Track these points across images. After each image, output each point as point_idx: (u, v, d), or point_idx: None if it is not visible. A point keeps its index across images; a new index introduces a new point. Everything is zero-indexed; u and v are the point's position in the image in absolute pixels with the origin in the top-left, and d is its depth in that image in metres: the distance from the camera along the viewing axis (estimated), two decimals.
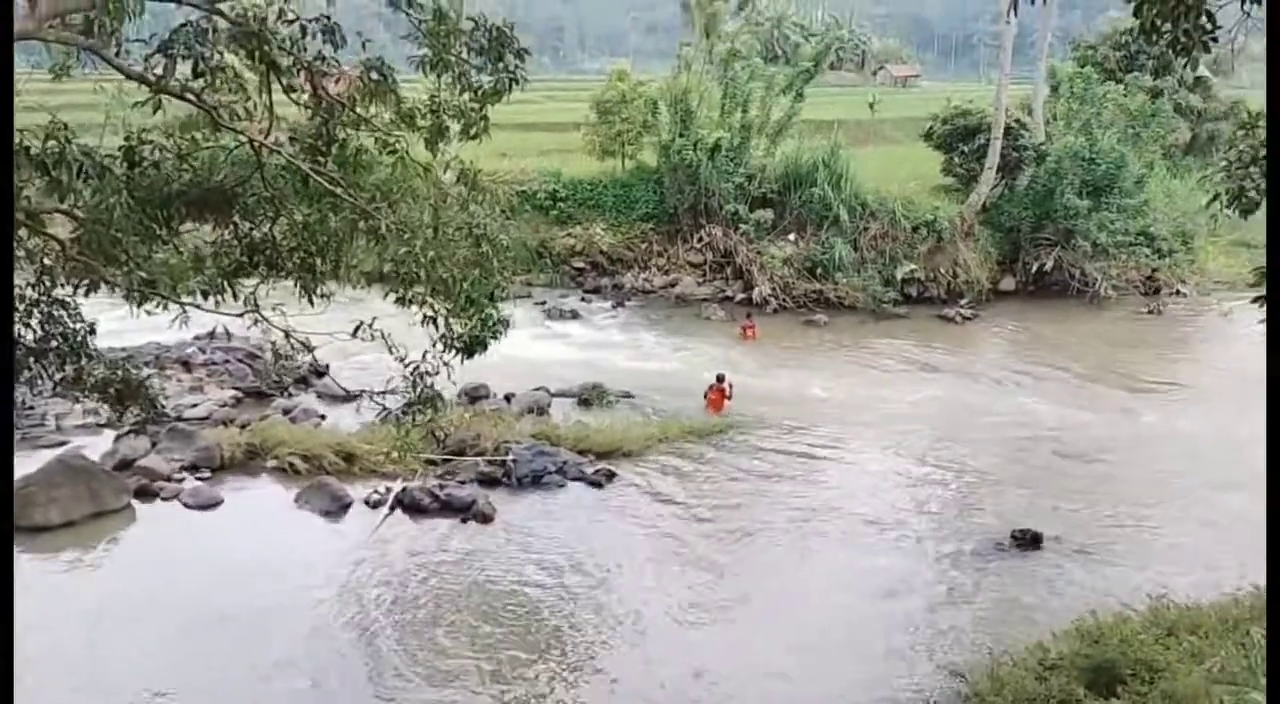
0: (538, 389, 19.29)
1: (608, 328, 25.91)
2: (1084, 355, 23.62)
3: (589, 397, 19.36)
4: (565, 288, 29.36)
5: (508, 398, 18.86)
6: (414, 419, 9.37)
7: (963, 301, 28.12)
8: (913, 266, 28.47)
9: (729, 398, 18.70)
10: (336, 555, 13.18)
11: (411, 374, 8.86)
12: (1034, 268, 29.59)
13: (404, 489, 14.66)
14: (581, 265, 30.23)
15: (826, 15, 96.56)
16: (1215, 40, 7.80)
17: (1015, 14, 7.11)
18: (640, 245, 30.39)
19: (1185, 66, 8.39)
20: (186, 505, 14.56)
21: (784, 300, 27.90)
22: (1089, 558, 13.23)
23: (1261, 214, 8.87)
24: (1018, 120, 31.00)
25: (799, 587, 12.73)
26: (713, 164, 28.68)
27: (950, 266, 28.98)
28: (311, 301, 8.61)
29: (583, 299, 28.43)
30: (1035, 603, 11.98)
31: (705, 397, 18.86)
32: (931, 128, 32.09)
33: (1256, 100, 31.74)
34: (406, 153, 8.34)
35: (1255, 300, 8.66)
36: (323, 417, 17.75)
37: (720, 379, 18.91)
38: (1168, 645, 8.62)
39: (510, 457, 15.64)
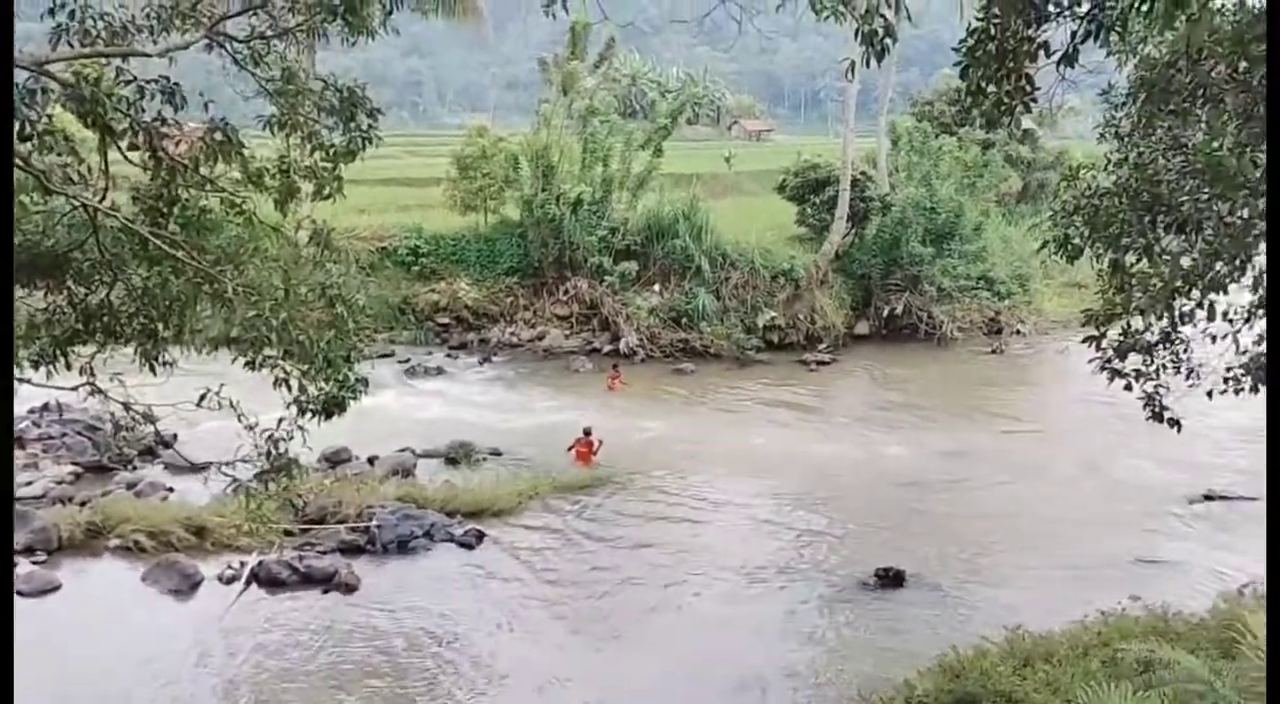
0: (403, 450, 18.81)
1: (475, 384, 25.58)
2: (936, 395, 24.68)
3: (456, 455, 18.99)
4: (430, 345, 28.89)
5: (371, 460, 18.30)
6: (269, 488, 8.97)
7: (821, 346, 29.06)
8: (773, 314, 29.26)
9: (595, 452, 18.65)
10: (186, 636, 12.40)
11: (265, 441, 8.49)
12: (886, 312, 30.85)
13: (260, 562, 13.95)
14: (446, 321, 29.82)
15: (681, 72, 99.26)
16: (1035, 100, 8.38)
17: (853, 75, 7.49)
18: (506, 299, 30.24)
19: (1007, 124, 8.94)
20: (20, 592, 13.45)
21: (651, 350, 28.22)
22: (950, 593, 13.67)
23: (1088, 258, 9.52)
24: (864, 172, 32.54)
25: (665, 640, 12.62)
26: (576, 218, 28.94)
27: (808, 313, 29.90)
28: (154, 369, 8.19)
29: (448, 355, 28.03)
30: (900, 640, 12.26)
31: (570, 450, 18.75)
32: (784, 180, 33.37)
33: (1079, 149, 34.24)
34: (254, 213, 8.10)
35: (1085, 340, 9.22)
36: (170, 490, 16.78)
37: (587, 432, 18.86)
38: (1024, 676, 8.94)
39: (374, 522, 15.12)
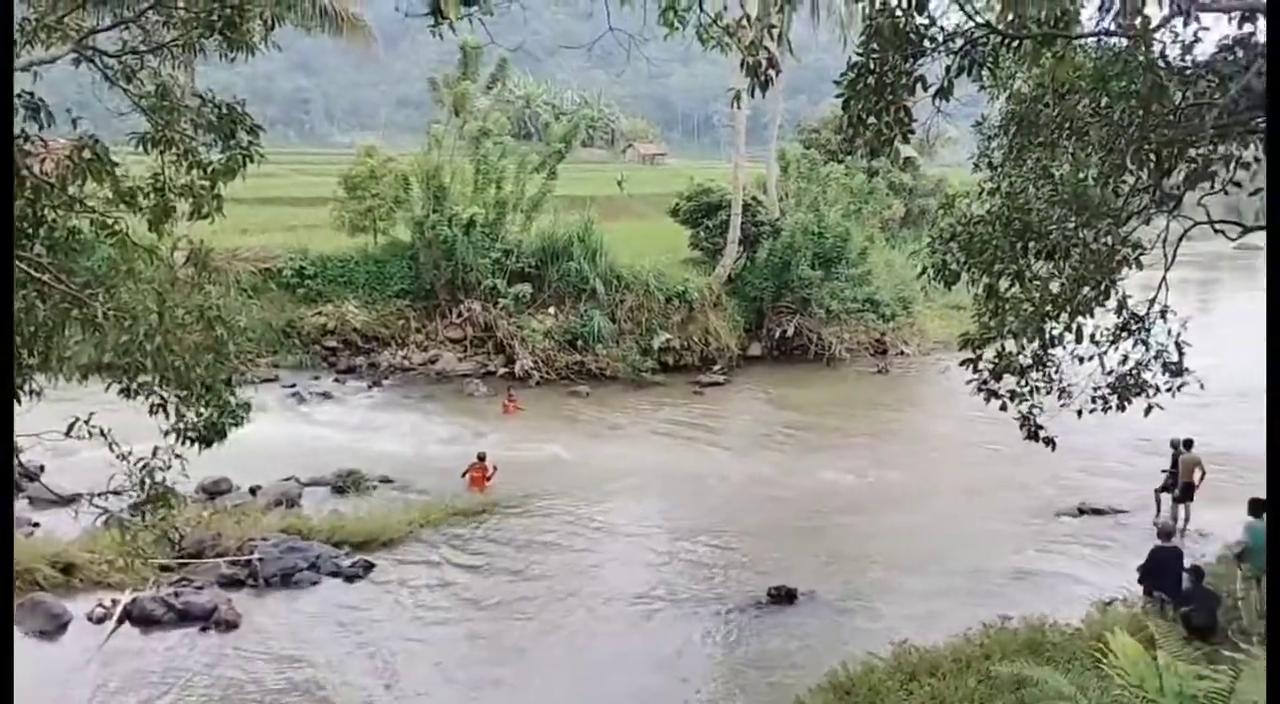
0: (287, 479, 18.22)
1: (364, 409, 25.00)
2: (826, 415, 25.21)
3: (344, 484, 18.49)
4: (317, 369, 28.14)
5: (253, 490, 17.66)
6: (143, 520, 8.55)
7: (715, 368, 29.45)
8: (668, 336, 29.52)
9: (490, 477, 18.43)
10: (51, 682, 11.70)
11: (140, 470, 8.11)
12: (777, 334, 31.49)
13: (133, 600, 13.26)
14: (334, 344, 29.09)
15: (576, 95, 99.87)
16: (913, 131, 8.69)
17: (739, 105, 7.65)
18: (396, 322, 29.72)
19: (888, 154, 9.26)
20: None
21: (546, 373, 28.11)
22: (840, 609, 13.92)
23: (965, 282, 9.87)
24: (755, 198, 33.23)
25: (555, 671, 12.48)
26: (468, 239, 28.70)
27: (702, 335, 30.28)
28: (18, 399, 7.75)
29: (336, 380, 27.34)
30: (792, 658, 12.42)
31: (464, 475, 18.48)
32: (678, 204, 33.79)
33: (957, 177, 35.66)
34: (127, 234, 7.77)
35: (963, 362, 9.56)
36: (36, 525, 15.83)
37: (481, 457, 18.63)
38: (911, 690, 9.17)
39: (256, 555, 14.56)
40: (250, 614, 13.40)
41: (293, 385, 25.95)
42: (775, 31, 7.83)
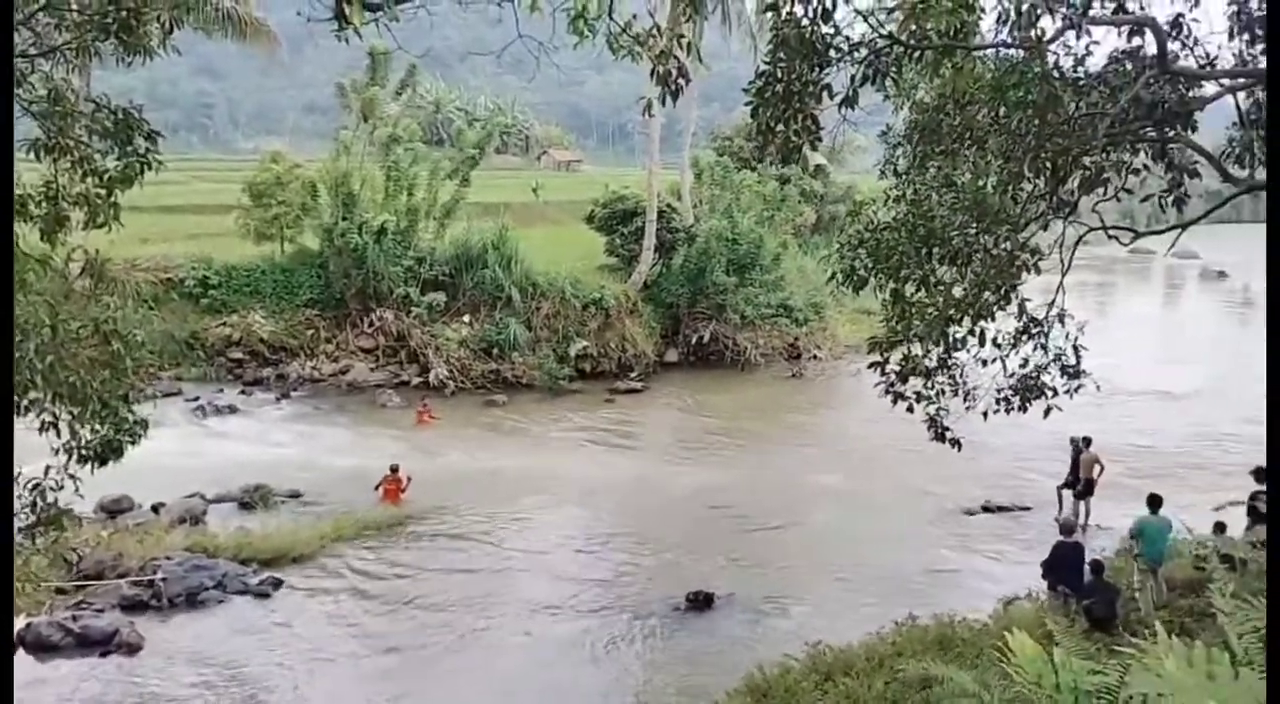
0: (191, 496, 17.63)
1: (272, 422, 24.36)
2: (742, 420, 25.47)
3: (252, 499, 17.98)
4: (222, 381, 27.33)
5: (156, 508, 17.04)
6: (35, 542, 8.18)
7: (632, 374, 29.50)
8: (585, 343, 29.47)
9: (404, 489, 18.13)
10: None
11: (31, 491, 7.75)
12: (694, 340, 31.70)
13: (28, 625, 12.66)
14: (240, 356, 28.29)
15: (489, 101, 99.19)
16: (820, 139, 8.85)
17: (650, 114, 7.67)
18: (306, 332, 29.06)
19: (798, 161, 9.42)
20: None
21: (462, 382, 27.80)
22: (757, 612, 14.05)
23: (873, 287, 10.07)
24: (669, 204, 33.45)
25: (468, 684, 12.30)
26: (380, 247, 28.24)
27: (619, 342, 30.31)
28: None
29: (242, 392, 26.58)
30: (710, 662, 12.48)
31: (378, 488, 18.15)
32: (593, 211, 33.80)
33: (866, 184, 36.45)
34: (18, 243, 7.43)
35: (871, 366, 9.76)
36: None
37: (394, 469, 18.30)
38: (826, 690, 9.29)
39: (159, 575, 14.04)
40: (154, 636, 12.92)
41: (196, 398, 25.15)
42: (685, 41, 7.86)
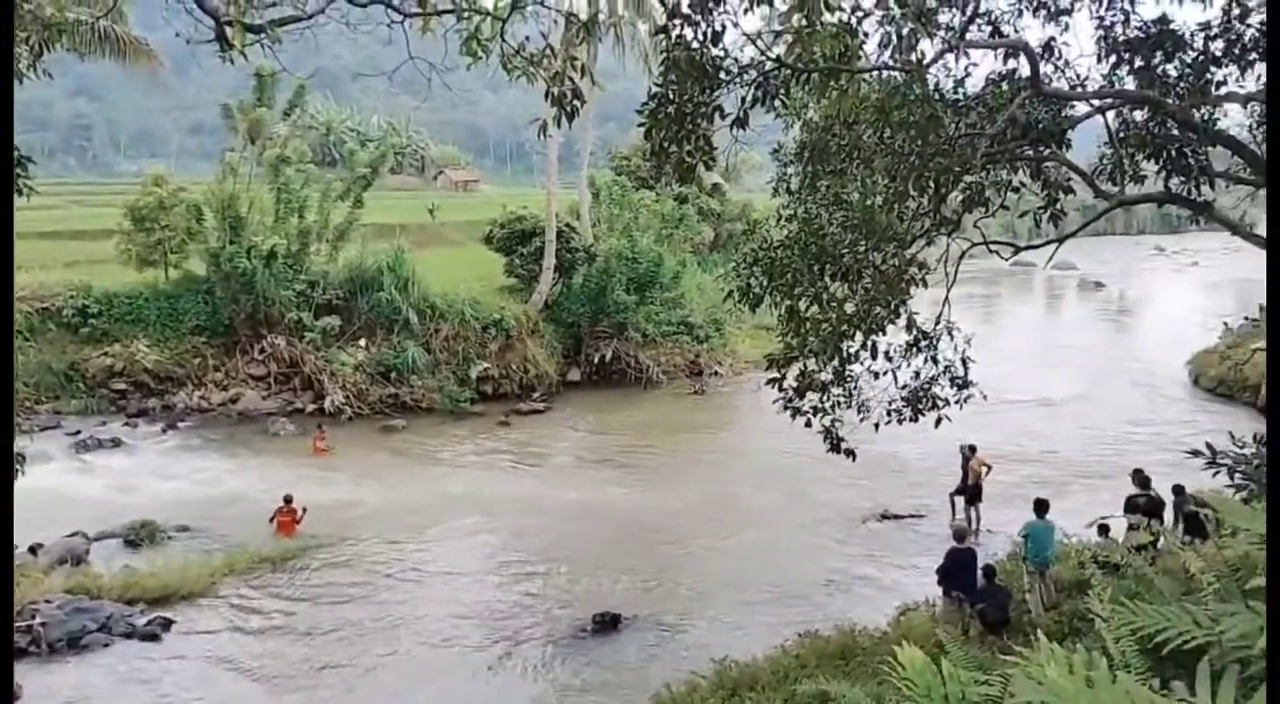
0: (72, 534, 16.75)
1: (158, 454, 23.38)
2: (645, 438, 25.51)
3: (138, 536, 17.20)
4: (104, 413, 26.13)
5: (34, 549, 16.09)
6: None
7: (535, 395, 29.31)
8: (486, 365, 29.17)
9: (299, 520, 17.60)
10: None
11: None
12: (596, 359, 31.69)
13: None
14: (123, 387, 27.10)
15: (383, 121, 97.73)
16: (714, 159, 8.98)
17: (546, 134, 7.65)
18: (193, 361, 28.03)
19: (693, 180, 9.53)
20: None
21: (359, 408, 27.18)
22: (664, 630, 14.05)
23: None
24: (568, 224, 33.43)
25: None
26: (270, 271, 27.47)
27: (521, 362, 30.10)
28: None
29: (127, 424, 25.45)
30: (616, 684, 12.42)
31: (272, 520, 17.58)
32: (491, 231, 33.55)
33: (761, 202, 37.06)
34: None
35: (768, 381, 9.90)
36: None
37: (288, 500, 17.75)
38: None
39: (38, 619, 13.29)
40: (34, 685, 12.20)
41: (78, 432, 24.00)
42: (578, 63, 7.87)
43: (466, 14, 7.52)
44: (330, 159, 64.21)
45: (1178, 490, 13.34)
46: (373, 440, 24.99)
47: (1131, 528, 13.19)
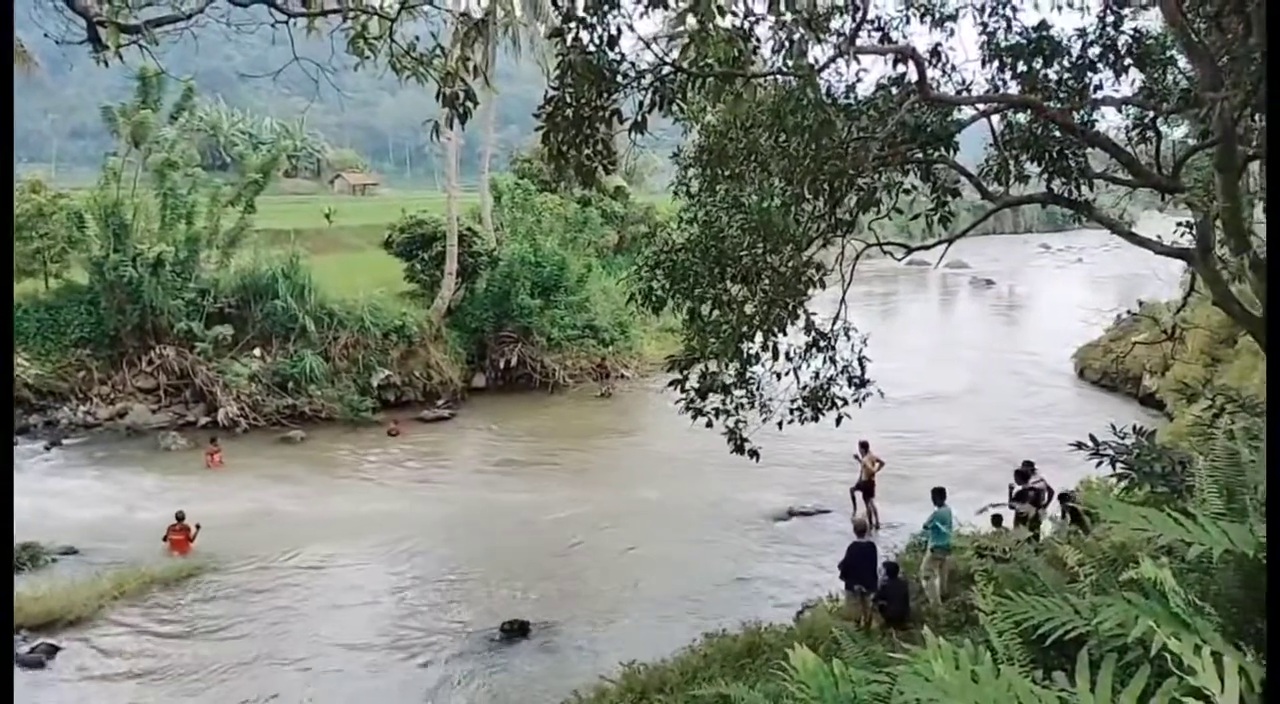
0: None
1: (40, 473, 22.24)
2: (552, 442, 25.39)
3: (19, 559, 16.27)
4: None
5: None
6: None
7: (439, 402, 28.88)
8: (387, 372, 28.62)
9: (192, 538, 16.97)
10: None
11: None
12: (501, 364, 31.40)
13: None
14: None
15: (275, 123, 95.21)
16: (614, 163, 8.97)
17: (438, 136, 7.52)
18: (76, 374, 26.79)
19: (594, 184, 9.50)
20: None
21: (255, 419, 26.35)
22: (573, 636, 13.98)
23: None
24: (470, 228, 33.03)
25: None
26: (157, 280, 26.46)
27: (424, 369, 29.62)
28: None
29: None
30: (526, 692, 12.31)
31: (165, 539, 16.91)
32: (390, 236, 32.95)
33: (664, 204, 37.25)
34: None
35: (670, 384, 9.93)
36: None
37: (180, 517, 17.10)
38: None
39: None
40: None
41: None
42: (470, 64, 7.76)
43: (353, 13, 7.33)
44: (220, 163, 62.36)
45: (1064, 497, 13.87)
46: (270, 453, 24.25)
47: (1020, 518, 13.69)
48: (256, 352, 27.78)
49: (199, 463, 22.85)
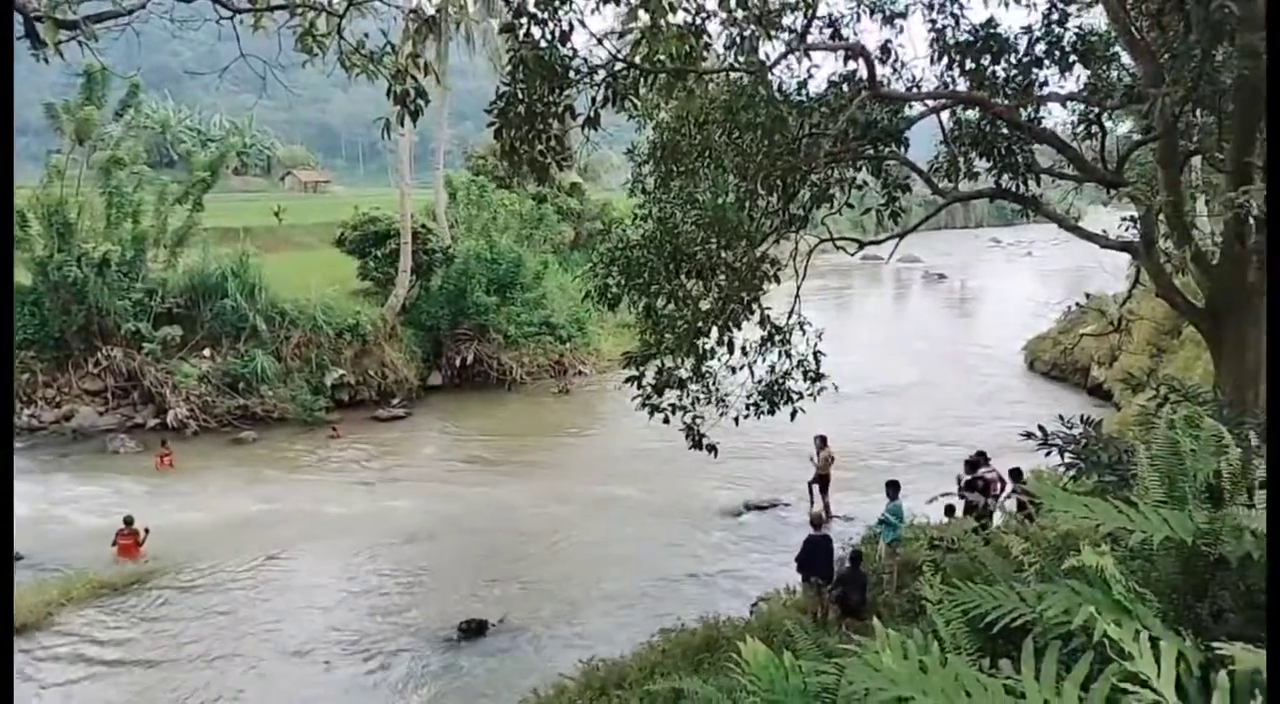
0: None
1: None
2: (509, 440, 25.28)
3: None
4: None
5: None
6: None
7: (395, 401, 28.61)
8: (341, 372, 28.30)
9: (141, 543, 16.66)
10: None
11: None
12: (457, 362, 31.20)
13: None
14: None
15: (225, 120, 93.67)
16: (567, 159, 8.94)
17: (390, 134, 7.45)
18: (21, 377, 26.13)
19: (548, 180, 9.48)
20: None
21: (205, 420, 25.94)
22: (532, 635, 13.94)
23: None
24: (424, 225, 32.74)
25: None
26: (103, 280, 25.94)
27: (379, 368, 29.32)
28: None
29: None
30: (486, 690, 12.26)
31: (114, 544, 16.59)
32: (343, 234, 32.56)
33: (620, 200, 37.24)
34: None
35: (627, 380, 9.94)
36: None
37: (129, 522, 16.78)
38: None
39: None
40: None
41: None
42: (421, 60, 7.70)
43: (300, 9, 7.24)
44: (168, 160, 61.23)
45: (1015, 475, 14.10)
46: (221, 454, 23.89)
47: (970, 508, 13.90)
48: (206, 352, 27.34)
49: (149, 466, 22.44)
